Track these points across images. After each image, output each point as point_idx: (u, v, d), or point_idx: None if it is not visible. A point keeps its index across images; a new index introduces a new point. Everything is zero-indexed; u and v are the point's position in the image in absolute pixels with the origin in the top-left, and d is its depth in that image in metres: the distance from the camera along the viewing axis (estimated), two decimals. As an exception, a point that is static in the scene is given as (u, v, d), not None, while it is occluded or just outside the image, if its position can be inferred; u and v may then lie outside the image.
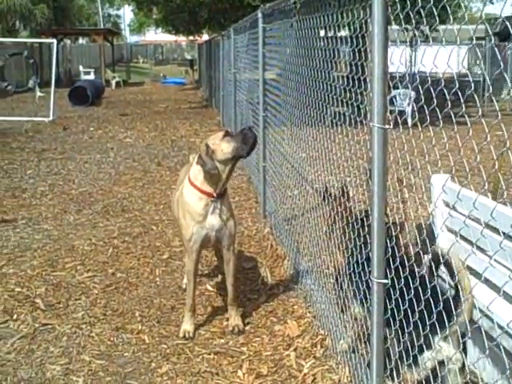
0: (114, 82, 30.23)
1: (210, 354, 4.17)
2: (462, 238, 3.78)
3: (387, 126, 2.56)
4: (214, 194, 4.26)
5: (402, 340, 2.86)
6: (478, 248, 3.52)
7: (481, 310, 3.62)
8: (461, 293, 2.79)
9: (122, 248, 6.27)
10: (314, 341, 4.24)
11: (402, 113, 13.30)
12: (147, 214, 7.49)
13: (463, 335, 2.85)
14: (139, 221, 7.24)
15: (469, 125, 2.28)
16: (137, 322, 4.66)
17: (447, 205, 4.05)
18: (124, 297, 5.11)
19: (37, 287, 5.29)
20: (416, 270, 2.83)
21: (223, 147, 4.20)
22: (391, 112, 2.90)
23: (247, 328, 4.53)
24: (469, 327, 2.77)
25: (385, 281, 2.66)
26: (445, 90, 2.38)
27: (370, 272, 2.71)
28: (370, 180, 2.66)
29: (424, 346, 2.80)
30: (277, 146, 6.66)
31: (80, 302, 5.02)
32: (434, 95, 2.45)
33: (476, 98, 2.33)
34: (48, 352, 4.22)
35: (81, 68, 32.65)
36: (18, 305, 4.95)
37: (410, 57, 19.79)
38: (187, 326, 4.46)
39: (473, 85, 2.37)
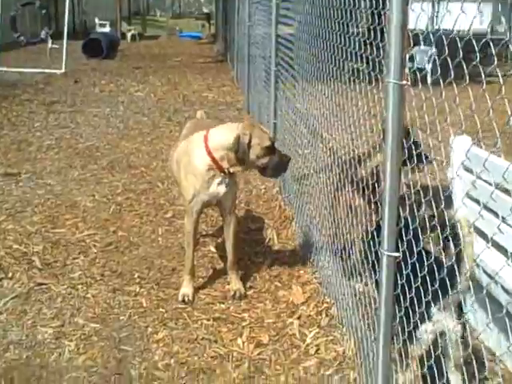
0: (129, 35, 29.67)
1: (209, 320, 3.97)
2: (484, 206, 3.54)
3: (404, 82, 2.26)
4: (227, 172, 4.01)
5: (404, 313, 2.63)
6: (500, 217, 3.28)
7: (488, 275, 3.40)
8: (464, 260, 2.59)
9: (125, 205, 6.05)
10: (319, 309, 4.03)
11: (421, 71, 12.85)
12: (153, 171, 7.25)
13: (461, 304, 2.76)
14: (145, 177, 7.01)
15: (500, 79, 1.98)
16: (135, 283, 4.46)
17: (467, 169, 3.78)
18: (124, 257, 4.91)
19: (35, 244, 5.11)
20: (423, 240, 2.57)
21: (259, 154, 3.94)
22: (409, 69, 2.61)
23: (250, 293, 4.32)
24: (472, 291, 2.56)
25: (396, 254, 2.40)
26: (458, 45, 2.07)
27: (379, 243, 2.45)
28: (383, 142, 2.38)
29: (426, 318, 2.61)
30: (288, 103, 6.35)
31: (78, 261, 4.83)
32: (446, 52, 2.15)
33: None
34: (41, 313, 4.04)
35: (96, 20, 32.06)
36: (15, 262, 4.77)
37: (432, 13, 19.13)
38: (186, 289, 4.26)
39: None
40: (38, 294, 4.30)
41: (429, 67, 13.50)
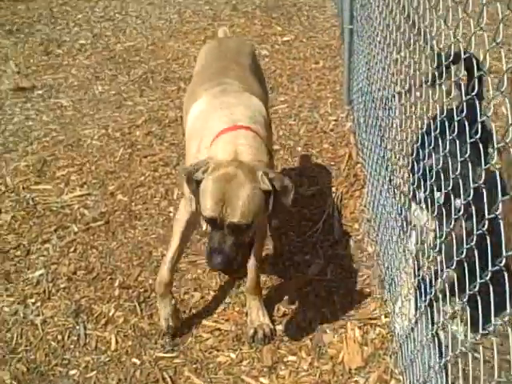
0: None
1: (202, 390, 2.45)
2: None
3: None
4: None
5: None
6: None
7: None
8: None
9: (141, 146, 4.46)
10: (385, 388, 2.40)
11: None
12: (194, 88, 5.56)
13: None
14: (180, 98, 5.34)
15: None
16: (113, 297, 2.98)
17: None
18: (113, 242, 3.40)
19: (4, 211, 3.71)
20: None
21: None
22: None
23: (279, 329, 2.73)
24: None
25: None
26: None
27: None
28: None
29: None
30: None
31: (48, 246, 3.38)
32: None
33: None
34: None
35: None
36: (-37, 246, 3.41)
37: None
38: (164, 311, 2.69)
39: None
40: (-31, 311, 2.93)
41: None
